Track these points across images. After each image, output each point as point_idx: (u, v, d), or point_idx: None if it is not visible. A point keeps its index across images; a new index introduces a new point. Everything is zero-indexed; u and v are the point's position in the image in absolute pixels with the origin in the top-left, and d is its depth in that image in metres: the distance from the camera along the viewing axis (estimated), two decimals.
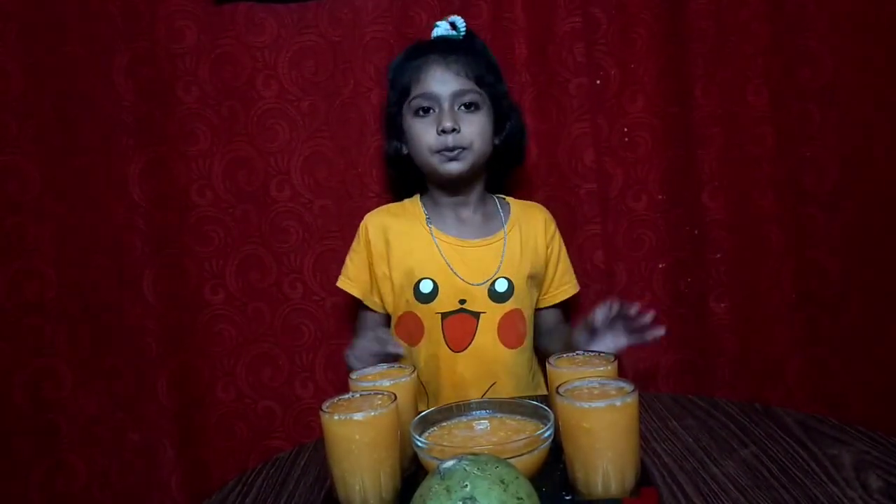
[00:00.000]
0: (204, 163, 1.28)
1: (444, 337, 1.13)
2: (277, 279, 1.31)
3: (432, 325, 1.13)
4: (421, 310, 1.14)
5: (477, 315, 1.13)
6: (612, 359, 0.82)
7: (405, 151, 1.17)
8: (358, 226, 1.25)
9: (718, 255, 1.29)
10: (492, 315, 1.13)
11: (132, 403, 1.27)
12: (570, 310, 1.29)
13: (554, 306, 1.22)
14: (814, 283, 1.32)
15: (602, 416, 0.68)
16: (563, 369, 0.81)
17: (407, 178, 1.22)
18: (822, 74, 1.29)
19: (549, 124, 1.30)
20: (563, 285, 1.22)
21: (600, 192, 1.32)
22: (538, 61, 1.28)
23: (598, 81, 1.31)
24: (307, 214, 1.30)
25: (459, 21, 1.19)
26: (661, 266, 1.34)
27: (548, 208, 1.26)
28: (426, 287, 1.13)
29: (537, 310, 1.21)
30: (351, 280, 1.20)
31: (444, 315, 1.13)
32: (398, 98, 1.15)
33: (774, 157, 1.30)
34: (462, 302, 1.13)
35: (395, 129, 1.18)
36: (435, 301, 1.13)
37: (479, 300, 1.13)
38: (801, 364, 1.32)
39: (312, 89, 1.28)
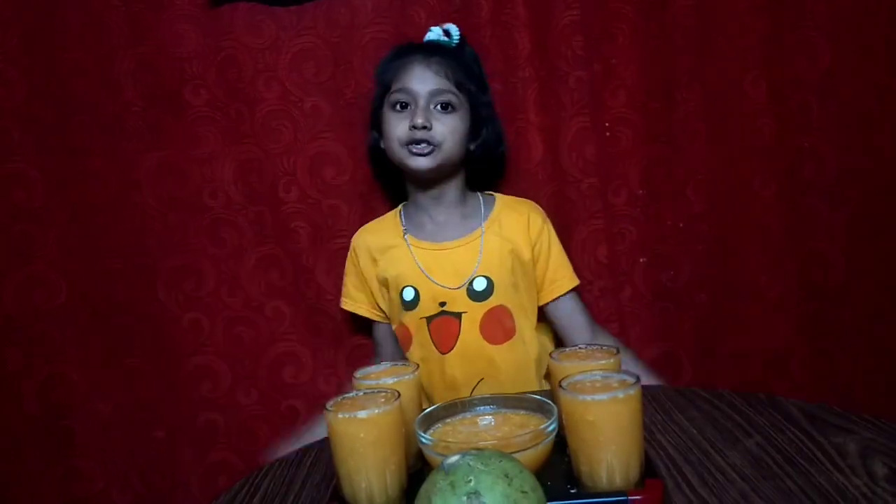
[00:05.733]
0: (214, 165, 1.28)
1: (432, 340, 1.16)
2: (294, 279, 1.31)
3: (419, 330, 1.16)
4: (407, 317, 1.17)
5: (458, 315, 1.15)
6: (615, 351, 0.82)
7: (382, 144, 1.20)
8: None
9: (701, 248, 1.29)
10: (473, 314, 1.14)
11: (150, 406, 1.28)
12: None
13: (559, 300, 1.21)
14: (817, 274, 1.31)
15: (605, 409, 0.68)
16: (566, 363, 0.81)
17: (385, 173, 1.25)
18: (821, 64, 1.28)
19: (550, 118, 1.30)
20: (558, 280, 1.21)
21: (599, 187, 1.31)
22: (539, 56, 1.28)
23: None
24: (315, 215, 1.30)
25: (454, 29, 1.21)
26: (642, 261, 1.33)
27: (553, 204, 1.27)
28: (408, 295, 1.17)
29: (545, 307, 1.21)
30: (353, 300, 1.24)
31: (429, 319, 1.16)
32: (380, 93, 1.19)
33: (774, 148, 1.29)
34: (442, 304, 1.15)
35: (375, 122, 1.21)
36: (418, 307, 1.16)
37: (458, 301, 1.15)
38: (805, 356, 1.31)
39: (314, 90, 1.28)
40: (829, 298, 1.32)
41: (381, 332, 1.25)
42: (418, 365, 0.86)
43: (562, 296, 1.20)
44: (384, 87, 1.18)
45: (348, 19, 1.27)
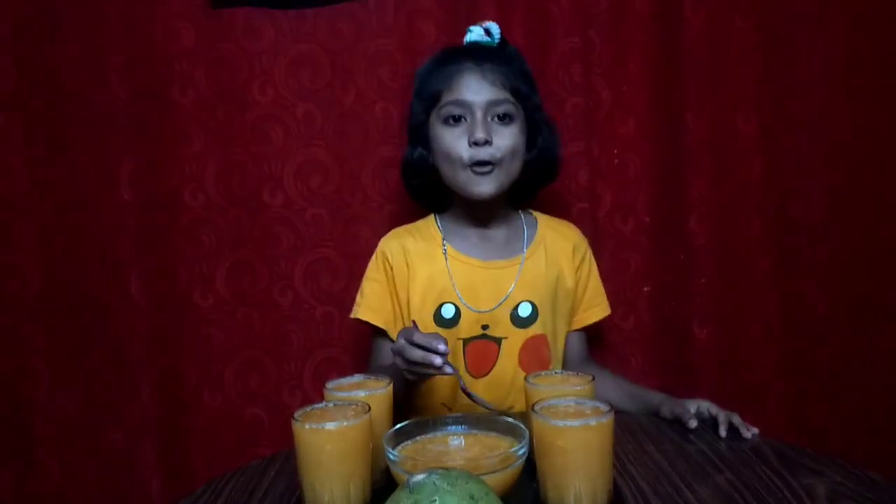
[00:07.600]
0: (197, 165, 1.27)
1: (466, 363, 1.08)
2: (268, 286, 1.30)
3: (453, 352, 1.06)
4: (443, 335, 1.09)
5: (499, 341, 1.08)
6: (591, 378, 0.82)
7: (431, 160, 1.10)
8: (355, 235, 1.25)
9: (703, 281, 1.29)
10: (514, 340, 1.08)
11: (113, 404, 1.26)
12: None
13: (581, 330, 1.17)
14: (798, 313, 1.32)
15: (576, 435, 0.67)
16: (541, 387, 0.81)
17: (428, 187, 1.14)
18: (813, 106, 1.30)
19: None
20: (593, 307, 1.17)
21: (591, 212, 1.32)
22: (536, 79, 1.28)
23: (590, 103, 1.31)
24: (298, 222, 1.29)
25: (494, 27, 1.12)
26: (645, 290, 1.33)
27: None
28: (448, 312, 1.08)
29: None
30: (374, 310, 1.12)
31: (466, 341, 1.08)
32: (426, 105, 1.09)
33: (762, 186, 1.30)
34: (485, 328, 1.08)
35: (420, 137, 1.11)
36: (457, 326, 1.08)
37: (501, 325, 1.08)
38: (781, 394, 1.32)
39: (308, 97, 1.28)
40: (808, 339, 1.32)
41: (388, 351, 1.07)
42: (391, 380, 0.85)
43: (589, 327, 1.17)
44: (431, 99, 1.07)
45: (352, 31, 1.27)
